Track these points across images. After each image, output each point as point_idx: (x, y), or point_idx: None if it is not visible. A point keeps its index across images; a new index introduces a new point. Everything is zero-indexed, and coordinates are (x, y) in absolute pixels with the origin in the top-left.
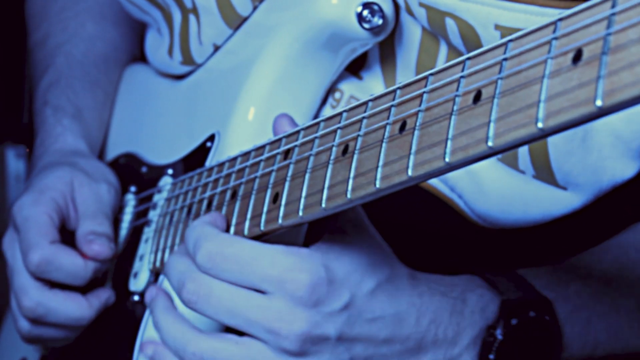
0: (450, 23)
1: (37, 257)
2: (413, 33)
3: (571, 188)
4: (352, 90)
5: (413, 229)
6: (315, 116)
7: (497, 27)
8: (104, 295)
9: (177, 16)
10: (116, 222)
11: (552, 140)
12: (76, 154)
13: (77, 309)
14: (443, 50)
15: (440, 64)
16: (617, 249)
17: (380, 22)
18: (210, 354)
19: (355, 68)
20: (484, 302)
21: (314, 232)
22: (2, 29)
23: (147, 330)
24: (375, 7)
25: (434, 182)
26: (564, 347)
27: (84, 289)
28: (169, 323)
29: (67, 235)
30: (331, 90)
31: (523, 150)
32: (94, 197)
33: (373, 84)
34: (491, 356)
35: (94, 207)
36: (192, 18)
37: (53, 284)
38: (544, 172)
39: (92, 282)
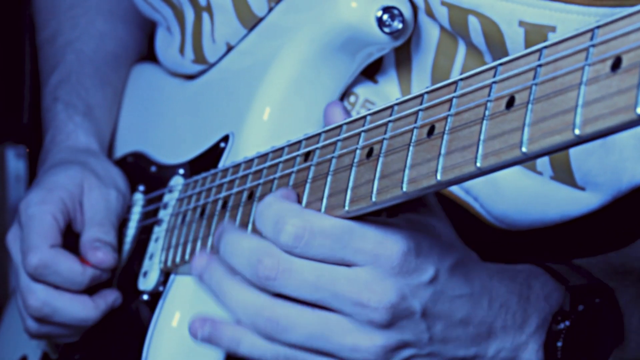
0: (473, 21)
1: (35, 260)
2: (430, 35)
3: (590, 188)
4: (367, 94)
5: None
6: None
7: (521, 23)
8: (110, 297)
9: (189, 14)
10: (123, 221)
11: None
12: (88, 152)
13: (82, 309)
14: (461, 50)
15: (458, 64)
16: None
17: (400, 26)
18: (288, 321)
19: (371, 72)
20: (549, 289)
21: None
22: (2, 29)
23: (156, 329)
24: (395, 12)
25: None
26: (624, 337)
27: (92, 290)
28: (236, 289)
29: (71, 237)
30: (346, 93)
31: None
32: (103, 203)
33: (388, 88)
34: (559, 343)
35: (102, 214)
36: (205, 16)
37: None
38: (563, 172)
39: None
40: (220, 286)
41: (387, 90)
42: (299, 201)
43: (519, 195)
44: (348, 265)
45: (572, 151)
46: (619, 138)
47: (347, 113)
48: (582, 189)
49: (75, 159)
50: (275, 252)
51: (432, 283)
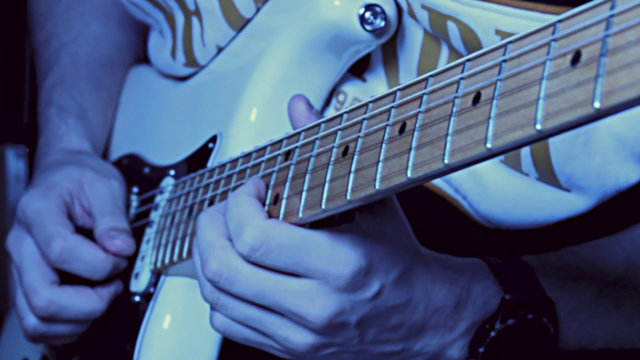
0: (451, 26)
1: (59, 246)
2: (415, 36)
3: (575, 190)
4: (356, 93)
5: (417, 229)
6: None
7: (497, 32)
8: (112, 286)
9: (179, 18)
10: None
11: (553, 143)
12: (80, 153)
13: (88, 302)
14: (444, 53)
15: (442, 66)
16: (630, 245)
17: (382, 24)
18: (228, 302)
19: (359, 70)
20: (487, 296)
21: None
22: (2, 29)
23: (147, 331)
24: (378, 9)
25: (439, 183)
26: (559, 343)
27: (90, 285)
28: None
29: None
30: (335, 92)
31: (526, 153)
32: (108, 193)
33: (376, 86)
34: (481, 349)
35: (110, 203)
36: (195, 20)
37: (62, 280)
38: (547, 175)
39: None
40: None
41: (375, 89)
42: (276, 195)
43: (505, 195)
44: (298, 275)
45: (554, 155)
46: (600, 141)
47: (310, 105)
48: (568, 190)
49: (70, 159)
50: (222, 256)
51: (374, 299)
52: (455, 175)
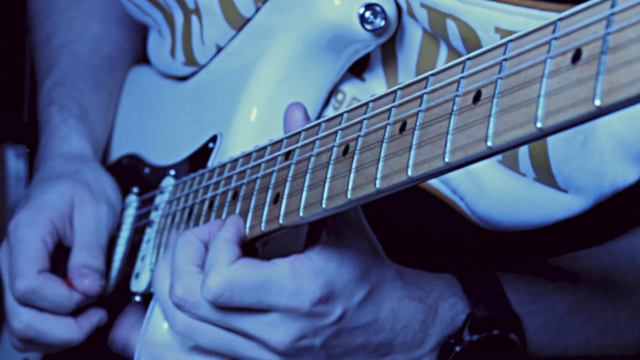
0: (451, 25)
1: (23, 287)
2: (414, 35)
3: (572, 191)
4: (355, 92)
5: (414, 230)
6: (318, 117)
7: (497, 29)
8: (95, 317)
9: (178, 17)
10: (117, 225)
11: (552, 143)
12: (80, 159)
13: (66, 332)
14: (443, 52)
15: (440, 66)
16: (608, 257)
17: (382, 23)
18: (199, 328)
19: (358, 70)
20: (455, 312)
21: (311, 229)
22: (2, 29)
23: (148, 330)
24: (378, 9)
25: (436, 183)
26: (528, 355)
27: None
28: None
29: (62, 251)
30: (334, 91)
31: (524, 153)
32: (94, 222)
33: (375, 85)
34: None
35: (91, 235)
36: (194, 19)
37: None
38: (545, 175)
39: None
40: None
41: (374, 88)
42: (277, 195)
43: (503, 196)
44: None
45: (552, 155)
46: (598, 141)
47: (307, 115)
48: (565, 191)
49: (67, 170)
50: (188, 283)
51: (337, 322)
52: (452, 176)
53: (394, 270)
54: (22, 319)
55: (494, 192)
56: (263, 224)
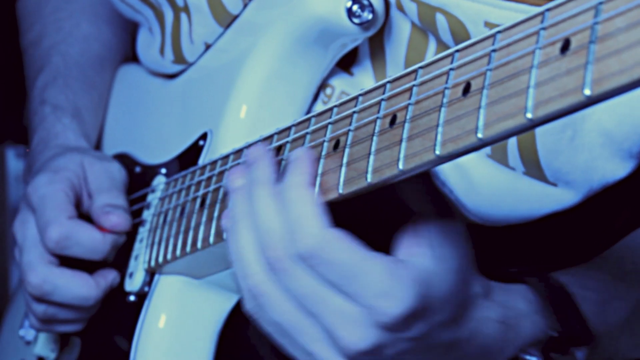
0: (440, 19)
1: (56, 233)
2: (402, 29)
3: (561, 185)
4: (343, 86)
5: (402, 223)
6: (307, 112)
7: (486, 24)
8: (110, 276)
9: (168, 15)
10: None
11: (540, 137)
12: (79, 149)
13: (83, 286)
14: (432, 46)
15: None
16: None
17: (370, 16)
18: (268, 301)
19: (346, 64)
20: (535, 331)
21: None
22: (2, 29)
23: (143, 331)
24: (365, 2)
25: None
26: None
27: (90, 270)
28: (244, 241)
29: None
30: (322, 86)
31: (512, 147)
32: (106, 174)
33: (364, 79)
34: None
35: (108, 183)
36: (183, 16)
37: (61, 263)
38: (534, 169)
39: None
40: (236, 224)
41: (362, 82)
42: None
43: (492, 189)
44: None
45: (541, 149)
46: (587, 137)
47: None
48: (554, 185)
49: (70, 149)
50: (280, 251)
51: (417, 339)
52: (441, 170)
53: (480, 286)
54: (39, 272)
55: (483, 186)
56: None
